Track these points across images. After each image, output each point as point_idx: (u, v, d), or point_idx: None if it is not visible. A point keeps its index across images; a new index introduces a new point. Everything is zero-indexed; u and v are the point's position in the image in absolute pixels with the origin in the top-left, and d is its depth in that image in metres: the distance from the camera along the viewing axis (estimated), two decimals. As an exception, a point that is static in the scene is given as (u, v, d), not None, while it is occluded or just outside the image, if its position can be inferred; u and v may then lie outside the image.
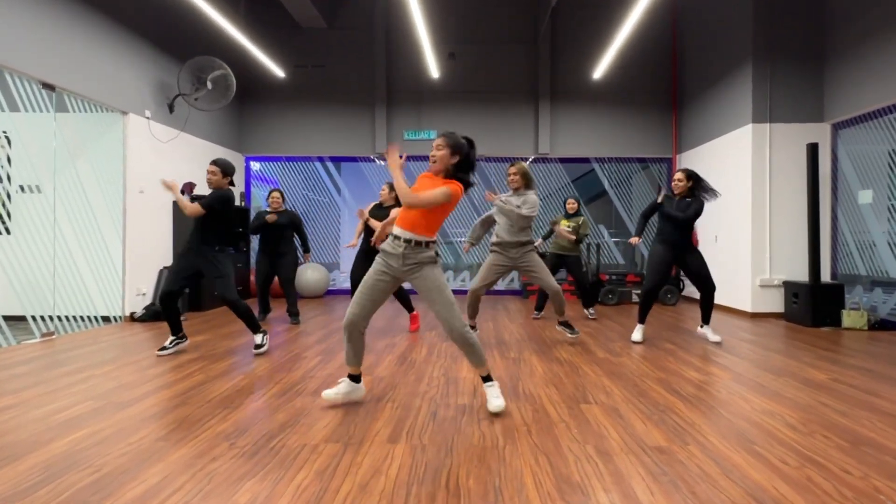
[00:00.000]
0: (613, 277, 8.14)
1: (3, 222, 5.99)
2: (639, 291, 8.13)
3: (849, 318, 5.76)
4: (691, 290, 8.34)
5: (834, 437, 2.55)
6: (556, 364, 4.06)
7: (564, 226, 6.10)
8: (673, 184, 4.82)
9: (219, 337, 5.09)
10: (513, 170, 4.63)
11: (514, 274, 9.23)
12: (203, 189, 7.52)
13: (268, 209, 5.90)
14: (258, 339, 4.37)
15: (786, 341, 5.03)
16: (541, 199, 5.20)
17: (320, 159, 9.23)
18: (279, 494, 1.97)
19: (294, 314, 5.92)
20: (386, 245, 2.85)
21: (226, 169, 4.34)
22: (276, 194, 5.91)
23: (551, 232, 6.38)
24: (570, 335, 4.86)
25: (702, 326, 5.00)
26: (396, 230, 2.83)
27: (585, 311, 6.42)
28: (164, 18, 6.81)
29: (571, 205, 6.34)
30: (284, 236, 5.84)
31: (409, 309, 5.49)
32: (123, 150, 6.10)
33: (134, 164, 6.18)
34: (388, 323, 5.97)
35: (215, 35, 7.86)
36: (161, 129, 6.70)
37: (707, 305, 4.89)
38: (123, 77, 6.04)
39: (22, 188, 6.05)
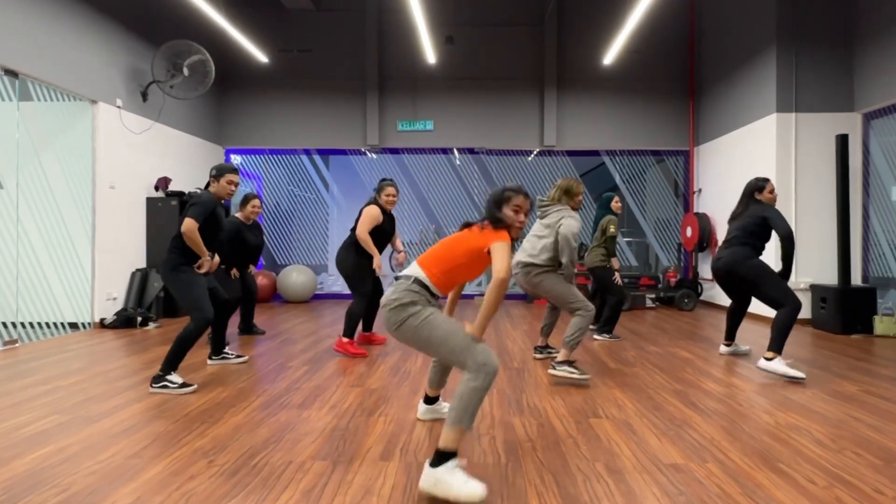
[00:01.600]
0: (626, 281, 8.15)
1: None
2: (653, 296, 8.14)
3: (881, 324, 5.77)
4: (710, 295, 8.35)
5: (866, 454, 2.55)
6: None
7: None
8: (774, 194, 4.35)
9: (196, 346, 5.08)
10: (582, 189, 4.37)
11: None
12: (179, 184, 7.51)
13: (237, 216, 5.37)
14: (177, 378, 3.64)
15: (813, 350, 5.04)
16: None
17: (307, 152, 9.23)
18: (262, 517, 1.96)
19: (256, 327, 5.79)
20: (433, 302, 2.46)
21: None
22: (256, 202, 5.39)
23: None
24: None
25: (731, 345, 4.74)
26: (440, 296, 2.51)
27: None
28: (137, -1, 6.81)
29: (617, 204, 5.72)
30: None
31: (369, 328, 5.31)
32: (93, 142, 6.09)
33: (104, 157, 6.18)
34: (378, 330, 5.96)
35: (193, 17, 7.87)
36: (133, 119, 6.69)
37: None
38: (93, 63, 6.03)
39: (-18, 183, 6.04)
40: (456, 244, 2.41)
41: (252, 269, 5.61)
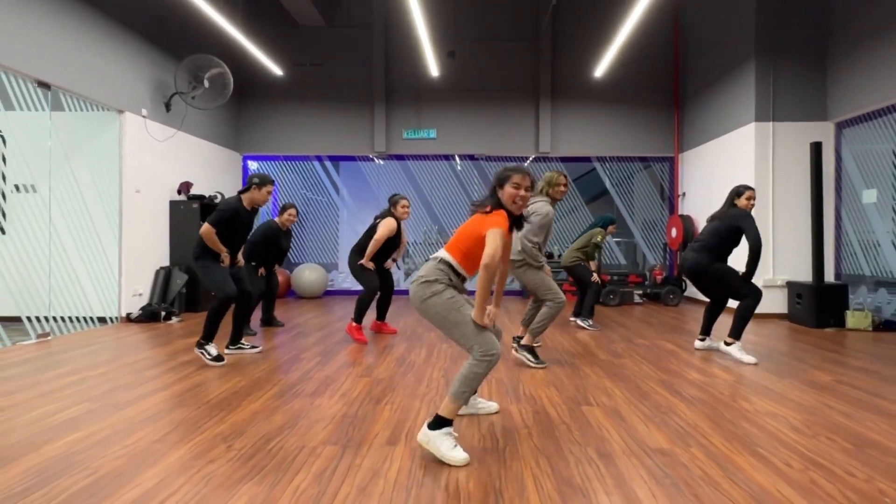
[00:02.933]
0: (615, 278, 8.14)
1: (-2, 222, 5.98)
2: (640, 292, 8.14)
3: (853, 318, 5.76)
4: (693, 291, 8.33)
5: (838, 440, 2.55)
6: (557, 365, 4.05)
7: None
8: (750, 202, 4.26)
9: (216, 338, 5.07)
10: (564, 180, 4.17)
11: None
12: (200, 188, 7.51)
13: (276, 220, 5.39)
14: (213, 350, 4.02)
15: (789, 342, 5.03)
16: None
17: (318, 158, 9.22)
18: (277, 497, 1.96)
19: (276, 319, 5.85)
20: (456, 283, 2.50)
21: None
22: (293, 211, 5.43)
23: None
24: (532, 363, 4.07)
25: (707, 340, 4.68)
26: (466, 276, 2.53)
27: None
28: (161, 16, 6.81)
29: (613, 229, 5.93)
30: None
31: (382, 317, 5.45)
32: (119, 149, 6.09)
33: (130, 163, 6.18)
34: (390, 321, 5.94)
35: (213, 33, 7.86)
36: (157, 128, 6.69)
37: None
38: (119, 75, 6.03)
39: (17, 188, 6.04)
40: (467, 230, 2.48)
41: (277, 266, 5.66)
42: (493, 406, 2.95)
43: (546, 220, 4.00)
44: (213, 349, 3.99)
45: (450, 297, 2.40)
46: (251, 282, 5.16)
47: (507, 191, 2.47)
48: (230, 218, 3.99)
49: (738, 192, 4.31)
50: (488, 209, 2.46)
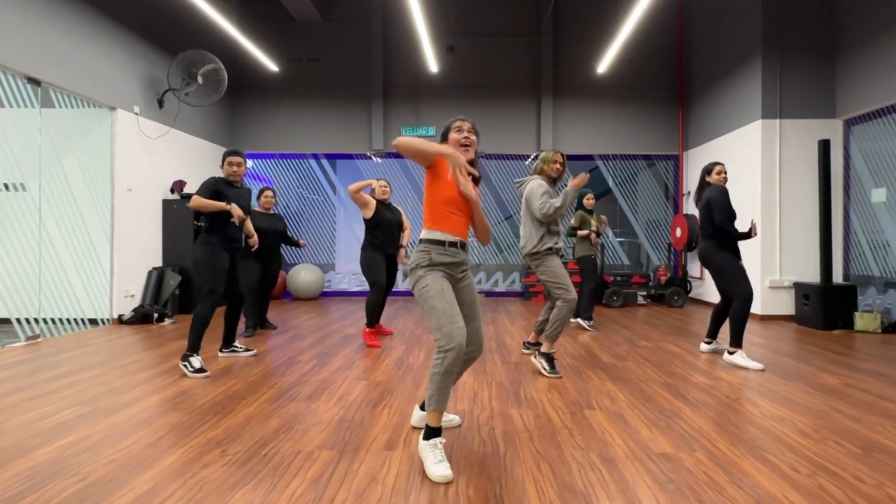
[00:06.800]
0: (618, 279, 8.14)
1: (-13, 221, 5.97)
2: (644, 293, 8.14)
3: (861, 320, 5.76)
4: (698, 292, 8.34)
5: (846, 444, 2.55)
6: (559, 368, 4.05)
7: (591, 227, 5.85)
8: (722, 175, 4.31)
9: (209, 340, 5.08)
10: (560, 158, 4.15)
11: (515, 275, 9.23)
12: (194, 187, 7.51)
13: (256, 208, 5.60)
14: (196, 362, 3.83)
15: (796, 345, 5.04)
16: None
17: (315, 156, 9.23)
18: (272, 503, 1.96)
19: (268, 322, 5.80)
20: (443, 257, 2.42)
21: None
22: (268, 193, 5.63)
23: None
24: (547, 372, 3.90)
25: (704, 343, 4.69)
26: (451, 237, 2.43)
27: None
28: (154, 11, 6.81)
29: (590, 201, 5.94)
30: (278, 240, 5.67)
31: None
32: (111, 147, 6.09)
33: (122, 161, 6.18)
34: (384, 322, 5.95)
35: (206, 28, 7.86)
36: (150, 125, 6.69)
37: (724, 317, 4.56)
38: (111, 71, 6.03)
39: (6, 186, 6.04)
40: (425, 186, 2.54)
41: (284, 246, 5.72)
42: (455, 419, 2.83)
43: (543, 189, 3.94)
44: (196, 361, 3.79)
45: (425, 285, 2.35)
46: (242, 270, 5.15)
47: (452, 137, 2.59)
48: (212, 186, 3.99)
49: (708, 169, 4.39)
50: None
